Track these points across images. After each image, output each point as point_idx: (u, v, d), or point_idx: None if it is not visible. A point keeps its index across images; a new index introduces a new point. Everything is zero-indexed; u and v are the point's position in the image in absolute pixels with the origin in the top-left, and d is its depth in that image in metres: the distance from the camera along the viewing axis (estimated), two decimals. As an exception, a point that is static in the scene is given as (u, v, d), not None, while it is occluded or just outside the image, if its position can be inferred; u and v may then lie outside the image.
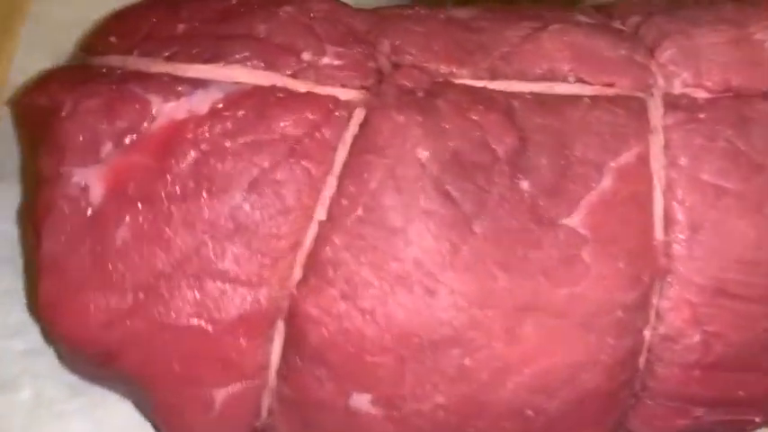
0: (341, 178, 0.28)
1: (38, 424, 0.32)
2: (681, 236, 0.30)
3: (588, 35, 0.32)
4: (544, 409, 0.29)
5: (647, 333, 0.31)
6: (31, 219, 0.28)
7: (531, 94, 0.31)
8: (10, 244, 0.35)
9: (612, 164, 0.30)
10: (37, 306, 0.28)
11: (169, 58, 0.30)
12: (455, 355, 0.28)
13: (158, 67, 0.29)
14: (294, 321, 0.28)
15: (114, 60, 0.30)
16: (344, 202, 0.28)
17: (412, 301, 0.28)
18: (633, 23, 0.34)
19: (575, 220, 0.29)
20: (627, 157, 0.30)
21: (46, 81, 0.30)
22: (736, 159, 0.30)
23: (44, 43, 0.41)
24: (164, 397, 0.29)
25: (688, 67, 0.32)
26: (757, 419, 0.35)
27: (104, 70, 0.30)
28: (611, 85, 0.31)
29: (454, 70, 0.31)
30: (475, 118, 0.29)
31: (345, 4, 0.32)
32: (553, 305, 0.28)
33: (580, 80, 0.31)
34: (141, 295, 0.27)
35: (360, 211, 0.28)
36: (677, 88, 0.32)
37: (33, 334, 0.34)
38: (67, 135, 0.28)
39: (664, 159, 0.30)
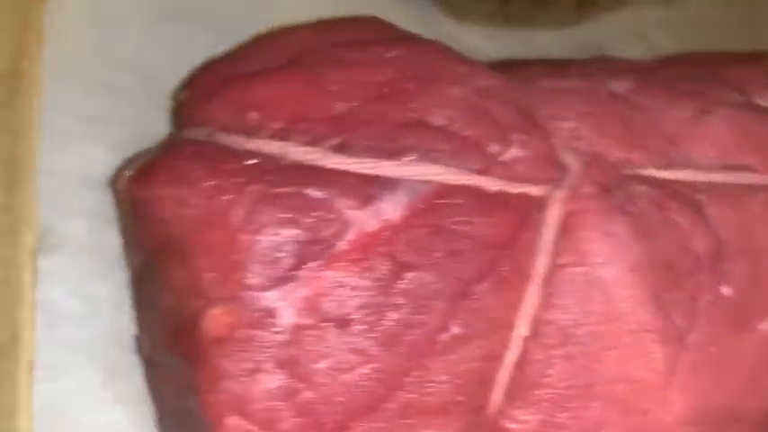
0: (543, 287, 0.26)
1: None
2: None
3: (755, 121, 0.31)
4: None
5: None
6: (190, 344, 0.24)
7: (710, 184, 0.29)
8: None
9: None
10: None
11: (340, 149, 0.26)
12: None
13: (331, 160, 0.25)
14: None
15: (266, 146, 0.26)
16: (548, 316, 0.26)
17: (627, 425, 0.26)
18: (772, 96, 0.33)
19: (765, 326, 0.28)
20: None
21: (185, 168, 0.25)
22: None
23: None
24: None
25: None
26: None
27: (258, 161, 0.25)
28: (783, 173, 0.30)
29: (630, 157, 0.29)
30: (674, 218, 0.27)
31: (499, 77, 0.29)
32: (753, 413, 0.28)
33: (755, 171, 0.30)
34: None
35: (567, 328, 0.26)
36: None
37: None
38: (248, 250, 0.23)
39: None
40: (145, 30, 0.38)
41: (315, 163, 0.25)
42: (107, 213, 0.31)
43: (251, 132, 0.26)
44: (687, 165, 0.29)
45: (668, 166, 0.29)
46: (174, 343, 0.25)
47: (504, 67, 0.32)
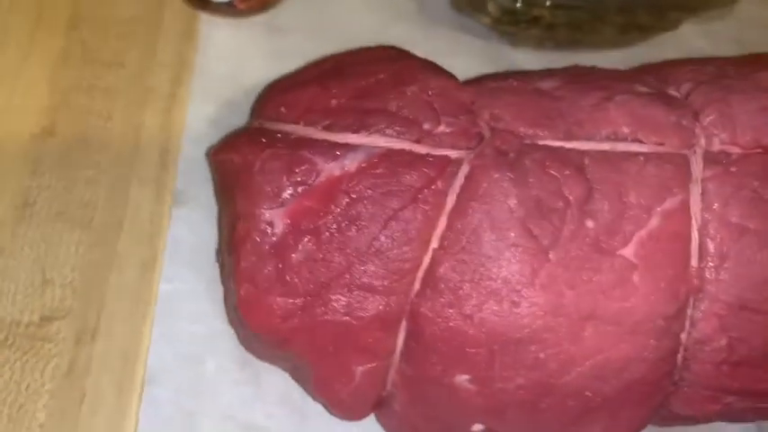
0: (450, 218, 0.39)
1: (220, 387, 0.45)
2: (711, 264, 0.39)
3: (645, 104, 0.41)
4: (600, 391, 0.39)
5: (683, 336, 0.40)
6: (231, 244, 0.40)
7: (598, 152, 0.40)
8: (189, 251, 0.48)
9: (659, 208, 0.39)
10: (236, 306, 0.39)
11: (327, 128, 0.41)
12: (532, 350, 0.38)
13: (319, 134, 0.41)
14: (414, 320, 0.39)
15: (286, 127, 0.42)
16: (452, 235, 0.39)
17: (501, 310, 0.38)
18: (685, 90, 0.43)
19: (628, 252, 0.38)
20: (671, 202, 0.39)
21: (238, 142, 0.42)
22: (759, 205, 0.39)
23: (208, 92, 0.54)
24: (319, 371, 0.40)
25: (725, 129, 0.41)
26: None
27: (279, 135, 0.41)
28: (661, 144, 0.40)
29: (539, 133, 0.40)
30: (553, 173, 0.39)
31: (456, 81, 0.43)
32: (608, 315, 0.38)
33: (637, 140, 0.40)
34: (308, 299, 0.39)
35: (463, 243, 0.38)
36: (716, 146, 0.41)
37: (213, 321, 0.47)
38: (260, 186, 0.39)
39: (701, 204, 0.39)
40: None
41: (310, 136, 0.41)
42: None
43: (278, 120, 0.42)
44: (584, 138, 0.41)
45: (568, 138, 0.41)
46: (227, 246, 0.42)
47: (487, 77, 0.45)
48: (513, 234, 0.38)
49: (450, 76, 0.44)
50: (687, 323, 0.39)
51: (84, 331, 0.47)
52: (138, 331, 0.47)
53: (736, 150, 0.41)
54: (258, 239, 0.39)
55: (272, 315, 0.39)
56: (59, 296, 0.47)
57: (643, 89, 0.42)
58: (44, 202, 0.50)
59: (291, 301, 0.39)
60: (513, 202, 0.38)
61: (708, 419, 0.44)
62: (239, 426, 0.45)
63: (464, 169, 0.39)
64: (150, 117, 0.54)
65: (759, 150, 0.41)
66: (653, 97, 0.42)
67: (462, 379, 0.39)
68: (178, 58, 0.57)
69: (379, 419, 0.44)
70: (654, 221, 0.39)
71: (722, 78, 0.43)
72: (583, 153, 0.40)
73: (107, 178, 0.51)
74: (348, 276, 0.39)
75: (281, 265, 0.39)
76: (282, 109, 0.42)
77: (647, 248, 0.38)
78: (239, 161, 0.41)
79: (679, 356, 0.40)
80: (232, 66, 0.56)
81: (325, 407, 0.42)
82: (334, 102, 0.42)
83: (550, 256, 0.38)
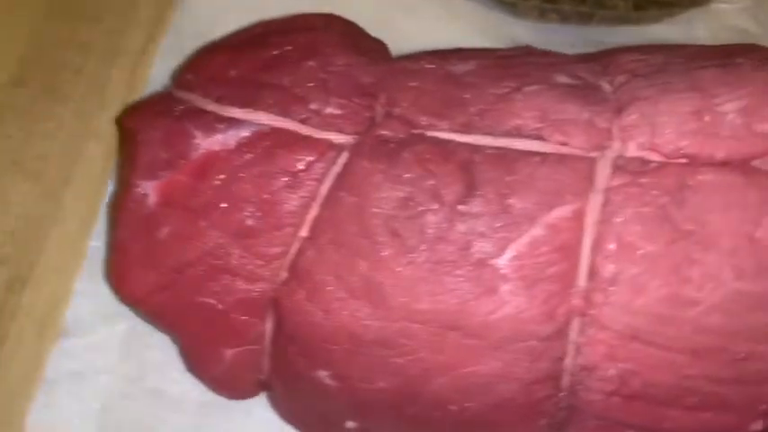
0: (321, 206, 0.37)
1: (129, 349, 0.45)
2: (601, 286, 0.35)
3: (559, 97, 0.37)
4: (465, 406, 0.36)
5: (567, 361, 0.36)
6: (112, 212, 0.40)
7: (494, 148, 0.36)
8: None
9: (546, 217, 0.35)
10: (108, 275, 0.40)
11: (218, 100, 0.39)
12: (389, 354, 0.36)
13: (209, 106, 0.39)
14: (277, 310, 0.37)
15: (187, 96, 0.41)
16: (321, 225, 0.36)
17: (357, 309, 0.35)
18: (618, 83, 0.38)
19: (501, 261, 0.35)
20: (561, 211, 0.35)
21: (137, 108, 0.41)
22: (664, 225, 0.34)
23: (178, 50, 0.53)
24: (190, 349, 0.40)
25: (645, 132, 0.36)
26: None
27: (178, 104, 0.40)
28: (565, 144, 0.36)
29: (434, 123, 0.37)
30: (431, 168, 0.36)
31: (362, 59, 0.40)
32: (472, 328, 0.35)
33: (539, 138, 0.36)
34: (174, 276, 0.38)
35: (330, 235, 0.36)
36: (631, 151, 0.36)
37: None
38: (140, 156, 0.39)
39: (599, 217, 0.35)
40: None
41: (201, 107, 0.39)
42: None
43: (184, 87, 0.41)
44: (482, 131, 0.37)
45: (464, 131, 0.37)
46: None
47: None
48: (377, 231, 0.35)
49: (369, 53, 0.41)
50: (571, 347, 0.36)
51: (16, 279, 0.48)
52: (66, 285, 0.48)
53: (654, 158, 0.36)
54: (132, 210, 0.39)
55: (139, 288, 0.39)
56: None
57: (564, 79, 0.38)
58: (1, 151, 0.52)
59: (159, 276, 0.38)
60: (381, 196, 0.35)
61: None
62: (145, 390, 0.45)
63: (344, 156, 0.37)
64: (117, 73, 0.55)
65: (682, 160, 0.35)
66: (571, 90, 0.37)
67: (324, 374, 0.37)
68: (156, 15, 0.57)
69: (269, 402, 0.43)
70: (536, 231, 0.35)
71: (662, 72, 0.37)
72: (475, 148, 0.36)
73: (65, 132, 0.52)
74: (214, 257, 0.37)
75: (150, 239, 0.38)
76: (189, 76, 0.41)
77: (524, 260, 0.35)
78: (131, 127, 0.40)
79: (564, 382, 0.36)
80: (207, 24, 0.55)
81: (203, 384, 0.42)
82: (233, 72, 0.40)
83: (414, 257, 0.35)
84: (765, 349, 0.35)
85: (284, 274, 0.37)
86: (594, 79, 0.38)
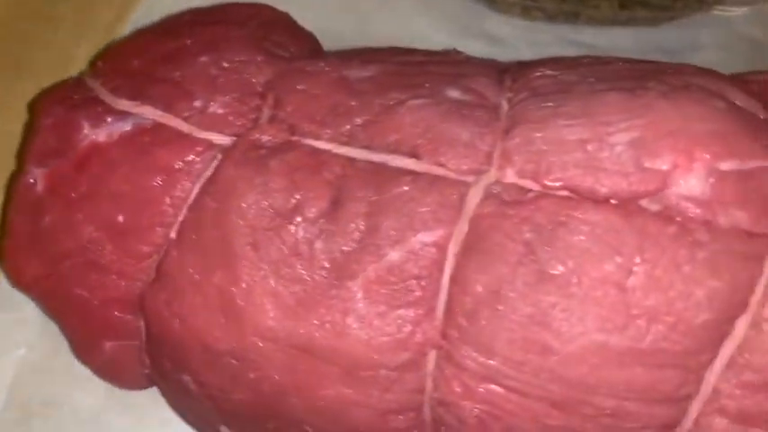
0: (189, 209, 0.36)
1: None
2: (457, 321, 0.32)
3: (444, 114, 0.34)
4: (322, 429, 0.35)
5: (426, 395, 0.34)
6: (7, 194, 0.40)
7: (369, 163, 0.34)
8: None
9: (408, 242, 0.33)
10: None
11: (112, 90, 0.39)
12: (242, 368, 0.34)
13: (105, 96, 0.39)
14: (144, 310, 0.37)
15: (93, 83, 0.40)
16: (185, 228, 0.35)
17: (211, 318, 0.34)
18: (516, 101, 0.35)
19: (355, 285, 0.33)
20: (424, 237, 0.33)
21: (48, 91, 0.41)
22: (524, 264, 0.31)
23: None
24: (71, 336, 0.40)
25: (526, 158, 0.33)
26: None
27: (83, 92, 0.40)
28: (441, 165, 0.33)
29: (315, 131, 0.35)
30: (297, 180, 0.34)
31: (262, 57, 0.38)
32: (323, 352, 0.33)
33: (415, 156, 0.34)
34: (55, 265, 0.38)
35: (193, 239, 0.35)
36: (509, 178, 0.33)
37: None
38: (35, 142, 0.39)
39: (461, 247, 0.32)
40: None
41: (100, 97, 0.39)
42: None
43: (92, 74, 0.41)
44: (361, 145, 0.35)
45: (344, 142, 0.35)
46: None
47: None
48: (235, 241, 0.34)
49: (283, 48, 0.39)
50: (429, 381, 0.33)
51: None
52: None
53: (533, 187, 0.33)
54: (22, 195, 0.39)
55: (25, 274, 0.39)
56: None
57: (455, 94, 0.35)
58: (-34, 126, 0.53)
59: (42, 264, 0.38)
60: (243, 204, 0.34)
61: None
62: (58, 367, 0.45)
63: (218, 158, 0.36)
64: (84, 50, 0.55)
65: (562, 193, 0.32)
66: (459, 106, 0.34)
67: (188, 379, 0.37)
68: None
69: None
70: (394, 256, 0.33)
71: (564, 93, 0.34)
72: (350, 161, 0.34)
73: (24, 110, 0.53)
74: (89, 251, 0.37)
75: (36, 226, 0.38)
76: (99, 63, 0.41)
77: (380, 286, 0.33)
78: (36, 111, 0.40)
79: (426, 415, 0.34)
80: (176, 1, 0.55)
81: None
82: (136, 63, 0.39)
83: (268, 272, 0.33)
84: (634, 407, 0.31)
85: (153, 275, 0.36)
86: (496, 95, 0.35)
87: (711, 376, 0.31)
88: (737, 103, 0.34)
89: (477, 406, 0.33)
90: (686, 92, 0.33)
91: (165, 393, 0.40)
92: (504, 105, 0.35)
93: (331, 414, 0.34)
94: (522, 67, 0.37)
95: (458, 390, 0.33)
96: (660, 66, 0.36)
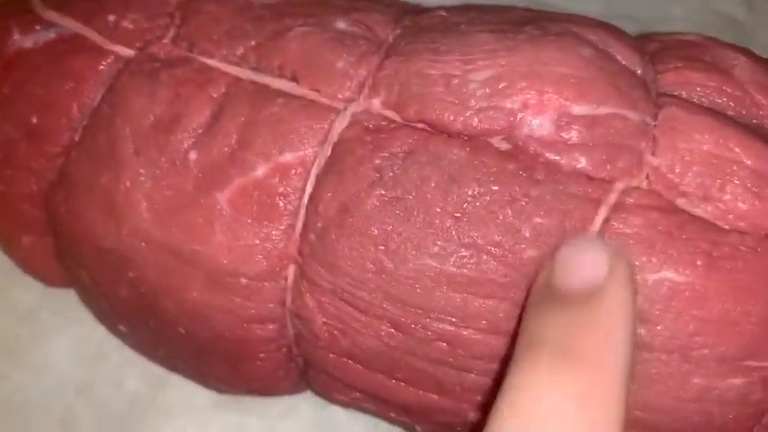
0: (91, 115, 0.38)
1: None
2: (309, 239, 0.34)
3: (326, 42, 0.35)
4: (192, 332, 0.37)
5: (287, 307, 0.36)
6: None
7: (253, 83, 0.36)
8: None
9: (276, 159, 0.34)
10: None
11: (44, 1, 0.41)
12: (121, 266, 0.37)
13: (37, 6, 0.41)
14: (47, 206, 0.40)
15: (45, 14, 0.42)
16: (85, 132, 0.38)
17: (97, 217, 0.37)
18: (400, 36, 0.36)
19: (223, 196, 0.35)
20: (289, 157, 0.34)
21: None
22: (372, 188, 0.33)
23: None
24: (-1, 229, 0.43)
25: (393, 90, 0.34)
26: (418, 428, 0.38)
27: (20, 2, 0.43)
28: (317, 90, 0.35)
29: (211, 50, 0.37)
30: (182, 93, 0.36)
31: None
32: (188, 255, 0.35)
33: (295, 80, 0.35)
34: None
35: (88, 142, 0.38)
36: (375, 108, 0.34)
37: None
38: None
39: (323, 169, 0.34)
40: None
41: (33, 7, 0.42)
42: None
43: (55, 7, 0.43)
44: (249, 65, 0.36)
45: (235, 63, 0.37)
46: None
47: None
48: (120, 146, 0.36)
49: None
50: (288, 295, 0.35)
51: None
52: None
53: (395, 118, 0.34)
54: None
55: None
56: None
57: (341, 25, 0.36)
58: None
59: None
60: (130, 112, 0.36)
61: (362, 410, 0.40)
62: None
63: (119, 69, 0.38)
64: None
65: (419, 125, 0.33)
66: (342, 37, 0.36)
67: (84, 275, 0.40)
68: None
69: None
70: (260, 172, 0.34)
71: (447, 31, 0.35)
72: (236, 81, 0.36)
73: None
74: (6, 148, 0.40)
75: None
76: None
77: (244, 198, 0.34)
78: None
79: (288, 329, 0.36)
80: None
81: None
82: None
83: (146, 178, 0.36)
84: (468, 335, 0.33)
85: (54, 176, 0.39)
86: (385, 31, 0.36)
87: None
88: (619, 57, 0.34)
89: (327, 321, 0.35)
90: (556, 38, 0.33)
91: (77, 291, 0.43)
92: (390, 40, 0.36)
93: (198, 317, 0.37)
94: (427, 9, 0.38)
95: (310, 304, 0.35)
96: (554, 15, 0.37)
